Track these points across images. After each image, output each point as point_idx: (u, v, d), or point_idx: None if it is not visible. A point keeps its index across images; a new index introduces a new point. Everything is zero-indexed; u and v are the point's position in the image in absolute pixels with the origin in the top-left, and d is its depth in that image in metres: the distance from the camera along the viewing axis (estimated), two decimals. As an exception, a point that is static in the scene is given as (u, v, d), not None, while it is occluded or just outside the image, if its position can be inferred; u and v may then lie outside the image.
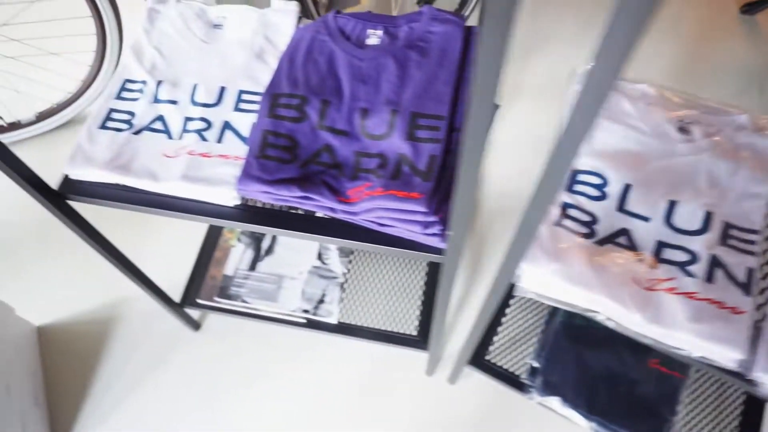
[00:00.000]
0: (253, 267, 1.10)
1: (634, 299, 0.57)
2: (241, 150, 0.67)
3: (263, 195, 0.62)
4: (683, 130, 0.68)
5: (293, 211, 0.65)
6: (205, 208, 0.66)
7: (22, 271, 1.27)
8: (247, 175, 0.62)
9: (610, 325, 0.60)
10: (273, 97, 0.66)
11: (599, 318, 0.60)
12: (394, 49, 0.69)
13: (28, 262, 1.29)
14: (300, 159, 0.63)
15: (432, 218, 0.58)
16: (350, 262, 1.12)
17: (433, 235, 0.60)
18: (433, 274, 1.11)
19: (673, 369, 0.93)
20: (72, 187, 0.69)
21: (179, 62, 0.76)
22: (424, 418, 1.08)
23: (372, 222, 0.61)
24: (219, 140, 0.69)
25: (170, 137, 0.70)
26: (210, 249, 1.14)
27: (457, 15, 0.71)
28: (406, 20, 0.72)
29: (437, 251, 0.61)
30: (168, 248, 1.27)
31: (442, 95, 0.63)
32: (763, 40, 1.59)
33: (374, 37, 0.71)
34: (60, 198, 0.69)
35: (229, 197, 0.65)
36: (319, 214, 0.64)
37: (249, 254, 1.12)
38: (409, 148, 0.61)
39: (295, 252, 1.12)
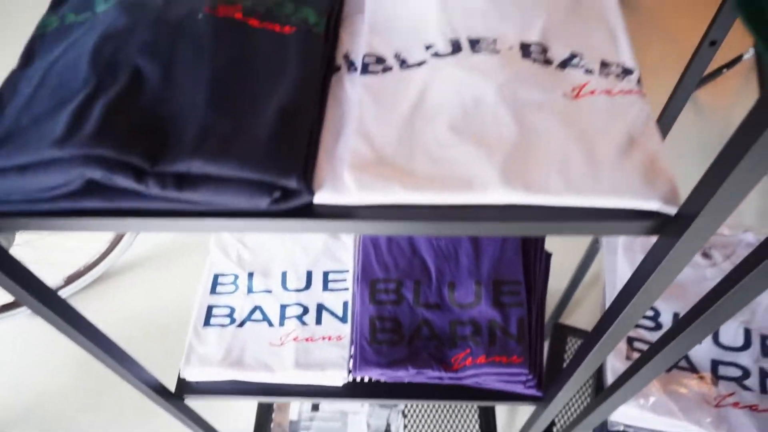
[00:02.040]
0: (315, 407, 1.15)
1: (709, 419, 0.68)
2: (341, 329, 0.75)
3: (380, 376, 0.70)
4: (706, 255, 0.82)
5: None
6: (315, 389, 0.73)
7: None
8: (363, 360, 0.70)
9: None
10: (371, 283, 0.75)
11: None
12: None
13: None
14: (406, 337, 0.72)
15: (531, 376, 0.68)
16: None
17: (531, 387, 0.69)
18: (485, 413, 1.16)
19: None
20: (188, 387, 0.74)
21: (264, 251, 0.84)
22: None
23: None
24: (318, 322, 0.77)
25: (271, 325, 0.77)
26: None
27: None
28: None
29: (534, 398, 0.70)
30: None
31: (514, 262, 0.75)
32: (707, 115, 1.83)
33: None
34: (179, 399, 0.74)
35: (340, 378, 0.72)
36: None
37: (308, 394, 1.17)
38: (497, 314, 0.71)
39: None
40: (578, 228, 0.38)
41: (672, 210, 0.37)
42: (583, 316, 1.39)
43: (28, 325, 1.42)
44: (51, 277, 1.43)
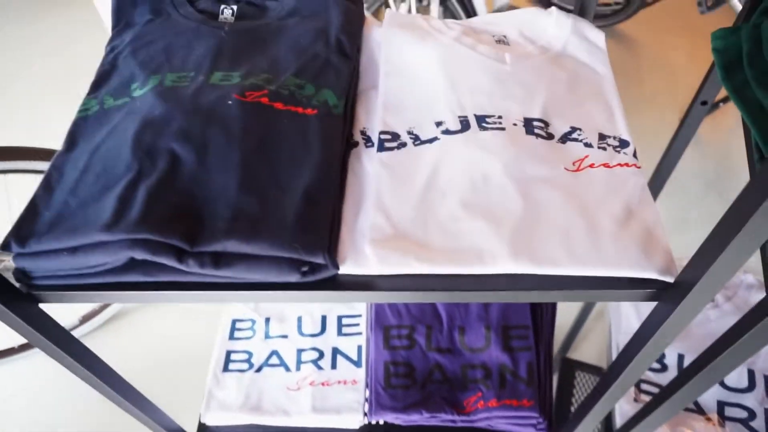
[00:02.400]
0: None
1: (717, 460, 0.70)
2: (356, 373, 0.77)
3: (395, 420, 0.72)
4: (707, 296, 0.84)
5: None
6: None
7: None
8: (379, 405, 0.72)
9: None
10: (385, 329, 0.78)
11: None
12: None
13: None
14: (419, 382, 0.74)
15: (542, 419, 0.70)
16: None
17: (541, 429, 0.71)
18: None
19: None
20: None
21: (280, 297, 0.87)
22: None
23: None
24: (333, 366, 0.79)
25: (288, 370, 0.80)
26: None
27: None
28: None
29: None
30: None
31: (522, 307, 0.77)
32: (704, 148, 1.86)
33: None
34: (200, 445, 0.76)
35: (356, 422, 0.75)
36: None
37: None
38: (507, 358, 0.74)
39: None
40: (581, 295, 0.41)
41: (669, 278, 0.40)
42: (590, 348, 1.41)
43: (44, 365, 1.45)
44: (66, 317, 1.46)
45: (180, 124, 0.45)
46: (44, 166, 1.08)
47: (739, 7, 1.49)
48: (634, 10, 2.11)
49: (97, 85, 0.52)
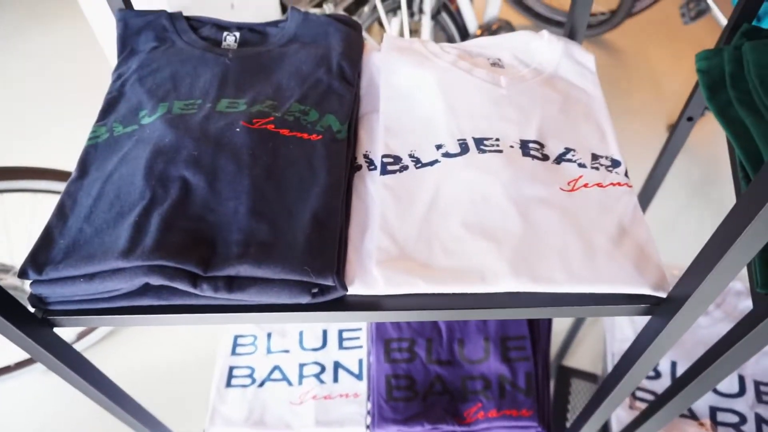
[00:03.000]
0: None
1: (711, 464, 0.72)
2: (357, 386, 0.79)
3: (397, 432, 0.74)
4: (698, 304, 0.87)
5: (415, 435, 0.76)
6: (335, 445, 0.77)
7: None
8: (382, 418, 0.73)
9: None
10: (385, 342, 0.80)
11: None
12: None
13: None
14: (420, 394, 0.75)
15: (541, 428, 0.72)
16: None
17: (540, 438, 0.73)
18: None
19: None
20: (213, 448, 0.78)
21: (281, 312, 0.89)
22: None
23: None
24: (335, 380, 0.81)
25: (290, 384, 0.81)
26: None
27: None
28: None
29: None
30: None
31: (520, 319, 0.79)
32: (693, 155, 1.91)
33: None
34: (205, 461, 0.77)
35: (359, 434, 0.76)
36: None
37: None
38: (506, 369, 0.76)
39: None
40: (579, 311, 0.43)
41: (662, 294, 0.43)
42: (585, 354, 1.43)
43: (41, 383, 1.44)
44: (64, 332, 1.46)
45: (190, 151, 0.46)
46: (35, 185, 1.08)
47: (721, 17, 1.53)
48: (620, 20, 2.16)
49: (105, 112, 0.53)
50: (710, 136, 1.88)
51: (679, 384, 0.51)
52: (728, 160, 0.52)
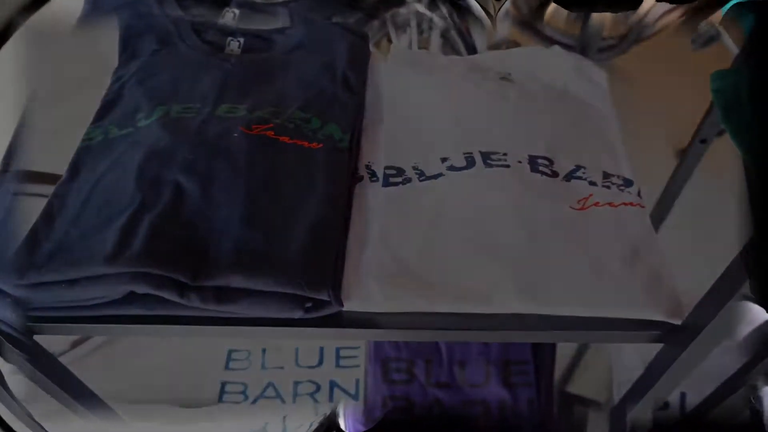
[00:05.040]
0: (321, 479, 1.13)
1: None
2: (354, 407, 0.76)
3: (393, 459, 0.71)
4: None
5: (411, 461, 0.73)
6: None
7: None
8: (376, 442, 0.70)
9: None
10: (383, 362, 0.77)
11: None
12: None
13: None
14: (417, 417, 0.72)
15: (542, 457, 0.69)
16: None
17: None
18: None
19: None
20: (201, 468, 0.75)
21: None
22: None
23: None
24: (330, 400, 0.78)
25: (283, 402, 0.78)
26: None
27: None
28: None
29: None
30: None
31: (523, 343, 0.77)
32: (702, 173, 1.87)
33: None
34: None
35: (354, 457, 0.73)
36: (436, 461, 0.73)
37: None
38: (507, 394, 0.73)
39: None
40: (586, 336, 0.41)
41: (677, 321, 0.40)
42: (591, 380, 1.39)
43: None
44: (56, 340, 1.43)
45: (185, 156, 0.45)
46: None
47: (732, 44, 1.52)
48: (629, 45, 2.15)
49: (101, 115, 0.52)
50: (722, 158, 1.86)
51: (691, 419, 0.48)
52: (742, 182, 0.50)
